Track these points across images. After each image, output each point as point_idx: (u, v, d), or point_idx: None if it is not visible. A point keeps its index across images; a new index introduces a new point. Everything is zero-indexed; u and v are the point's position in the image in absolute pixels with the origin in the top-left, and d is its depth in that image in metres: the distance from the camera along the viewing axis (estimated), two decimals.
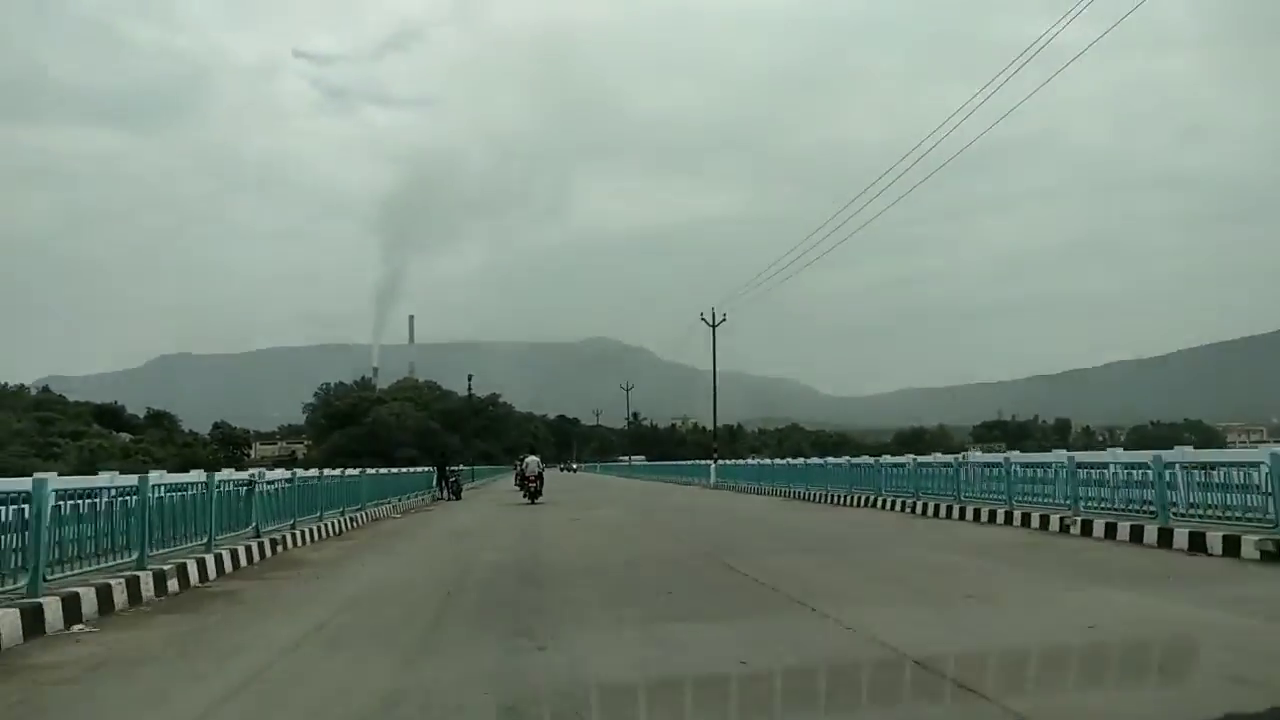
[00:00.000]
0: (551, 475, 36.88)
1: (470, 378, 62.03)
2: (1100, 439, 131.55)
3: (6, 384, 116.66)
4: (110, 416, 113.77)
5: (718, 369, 52.51)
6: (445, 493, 33.29)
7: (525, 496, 29.35)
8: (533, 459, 30.91)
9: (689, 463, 65.59)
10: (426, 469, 36.46)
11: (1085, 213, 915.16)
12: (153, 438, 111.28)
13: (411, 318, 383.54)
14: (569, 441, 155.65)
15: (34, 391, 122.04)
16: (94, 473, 12.62)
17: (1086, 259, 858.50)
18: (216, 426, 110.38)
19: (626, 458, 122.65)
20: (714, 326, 51.63)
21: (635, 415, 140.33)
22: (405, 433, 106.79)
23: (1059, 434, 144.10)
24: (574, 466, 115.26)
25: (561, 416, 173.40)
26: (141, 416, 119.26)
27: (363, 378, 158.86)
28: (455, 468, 37.76)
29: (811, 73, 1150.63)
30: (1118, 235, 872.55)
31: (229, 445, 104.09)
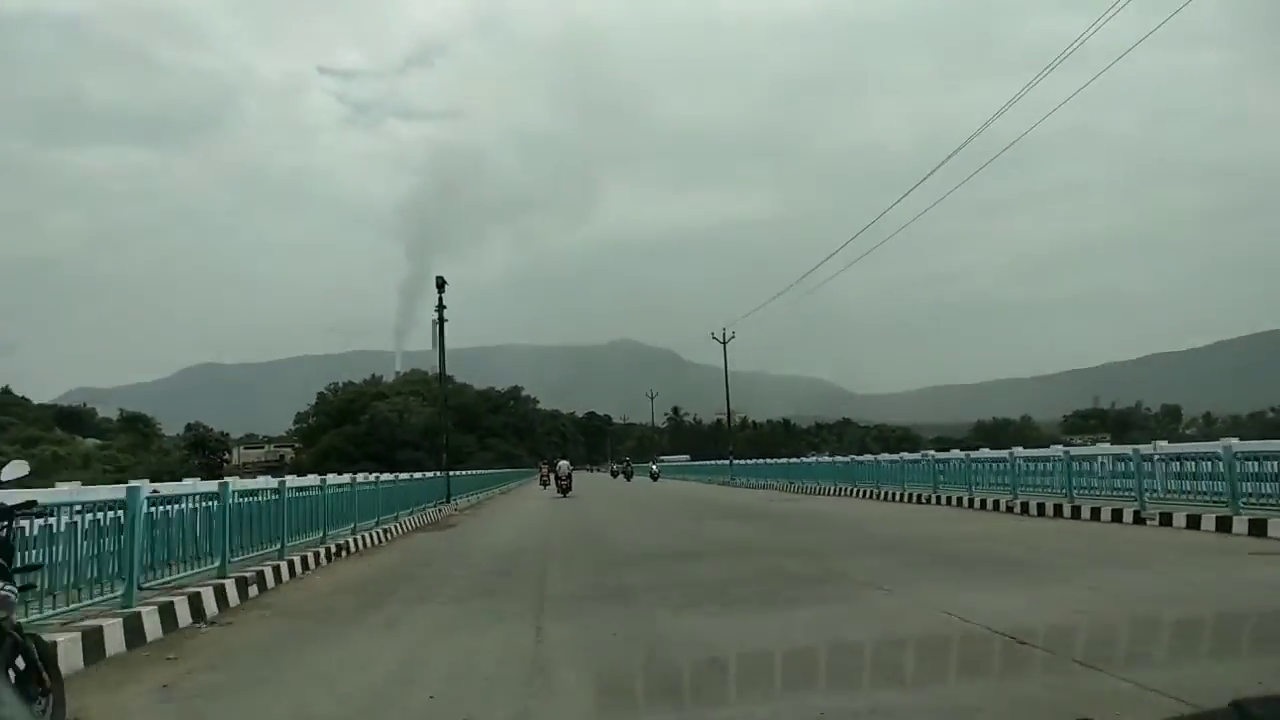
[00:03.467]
0: (598, 486, 36.63)
1: (437, 330, 36.65)
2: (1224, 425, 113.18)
3: None
4: (74, 421, 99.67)
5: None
6: None
7: (558, 492, 35.88)
8: (564, 463, 38.69)
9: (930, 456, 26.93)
10: None
11: (1117, 207, 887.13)
12: (123, 443, 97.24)
13: (434, 321, 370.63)
14: (601, 441, 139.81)
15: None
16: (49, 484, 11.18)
17: (1119, 253, 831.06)
18: (189, 428, 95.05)
19: (666, 458, 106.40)
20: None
21: (676, 410, 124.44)
22: (409, 431, 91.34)
23: (1172, 420, 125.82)
24: (653, 469, 62.85)
25: (591, 414, 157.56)
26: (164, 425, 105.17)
27: (374, 375, 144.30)
28: None
29: (838, 77, 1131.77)
30: (1150, 229, 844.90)
31: (203, 450, 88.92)
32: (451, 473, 34.62)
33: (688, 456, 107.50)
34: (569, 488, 35.92)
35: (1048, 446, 27.67)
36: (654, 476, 58.71)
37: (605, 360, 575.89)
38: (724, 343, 45.91)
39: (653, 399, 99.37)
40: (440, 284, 32.56)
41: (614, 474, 73.63)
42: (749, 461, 52.89)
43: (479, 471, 49.58)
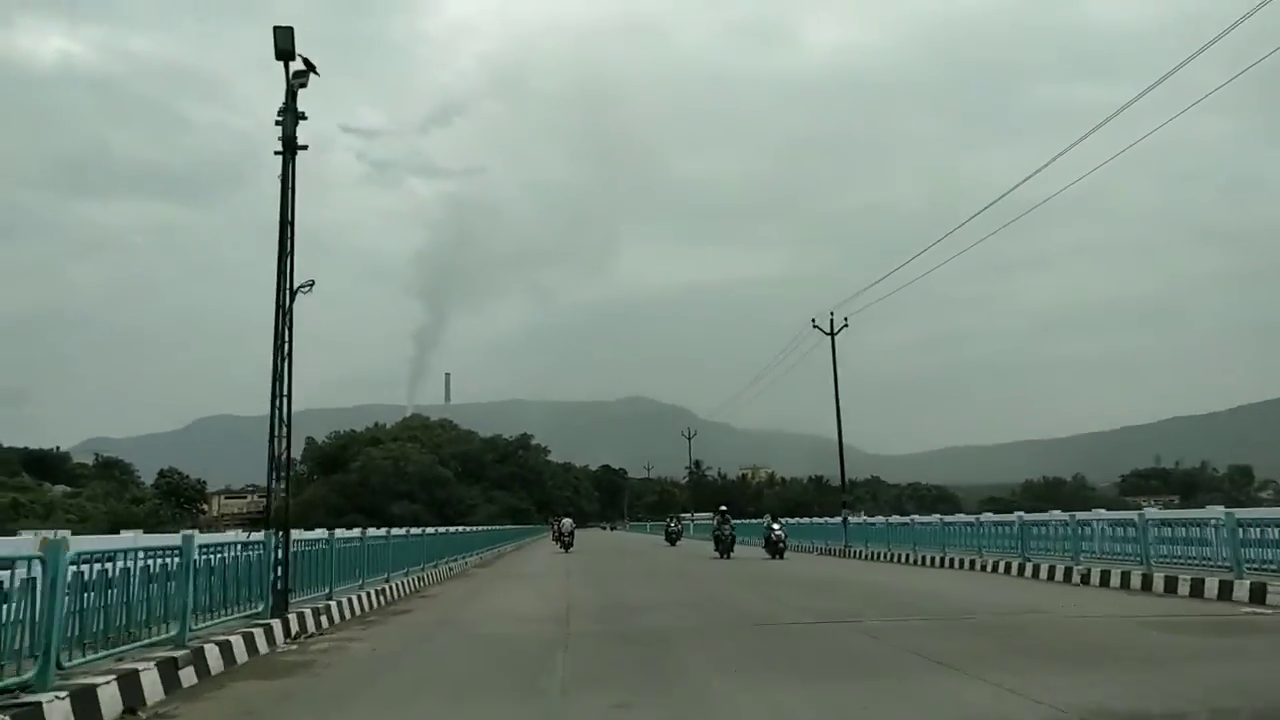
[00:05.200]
0: (667, 574, 23.59)
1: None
2: None
3: None
4: (45, 467, 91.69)
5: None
6: None
7: (561, 548, 40.65)
8: (567, 520, 44.11)
9: None
10: None
11: (1128, 270, 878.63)
12: (94, 491, 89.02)
13: (448, 375, 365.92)
14: (617, 496, 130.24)
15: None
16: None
17: (1134, 317, 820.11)
18: (163, 475, 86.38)
19: (689, 515, 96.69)
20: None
21: (698, 464, 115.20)
22: (405, 481, 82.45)
23: (1245, 480, 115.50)
24: (774, 531, 30.15)
25: (606, 467, 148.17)
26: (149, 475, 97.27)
27: (376, 423, 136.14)
28: None
29: (849, 137, 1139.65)
30: (1166, 292, 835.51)
31: (177, 498, 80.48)
32: (389, 533, 17.84)
33: (709, 514, 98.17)
34: (571, 544, 40.91)
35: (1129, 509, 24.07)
36: (776, 547, 29.69)
37: (618, 417, 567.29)
38: (832, 335, 35.23)
39: (690, 437, 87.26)
40: (294, 64, 13.18)
41: (671, 538, 44.99)
42: (873, 521, 34.99)
43: (442, 531, 28.42)
